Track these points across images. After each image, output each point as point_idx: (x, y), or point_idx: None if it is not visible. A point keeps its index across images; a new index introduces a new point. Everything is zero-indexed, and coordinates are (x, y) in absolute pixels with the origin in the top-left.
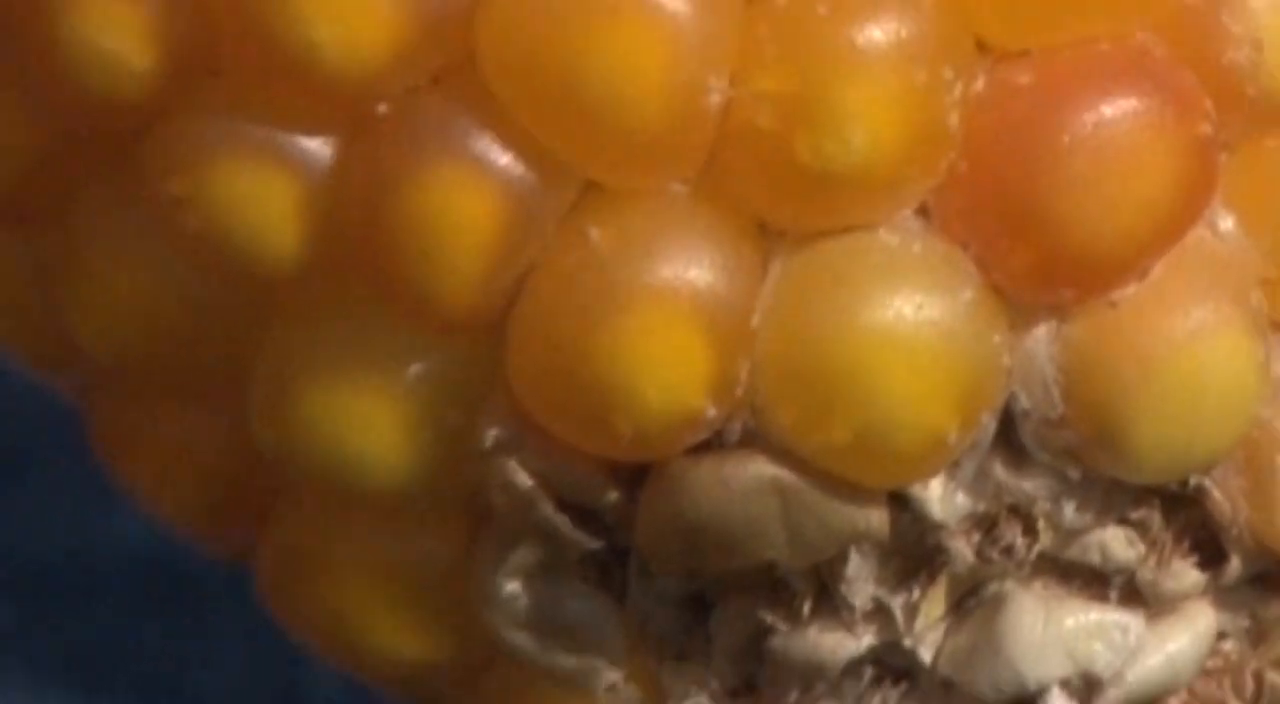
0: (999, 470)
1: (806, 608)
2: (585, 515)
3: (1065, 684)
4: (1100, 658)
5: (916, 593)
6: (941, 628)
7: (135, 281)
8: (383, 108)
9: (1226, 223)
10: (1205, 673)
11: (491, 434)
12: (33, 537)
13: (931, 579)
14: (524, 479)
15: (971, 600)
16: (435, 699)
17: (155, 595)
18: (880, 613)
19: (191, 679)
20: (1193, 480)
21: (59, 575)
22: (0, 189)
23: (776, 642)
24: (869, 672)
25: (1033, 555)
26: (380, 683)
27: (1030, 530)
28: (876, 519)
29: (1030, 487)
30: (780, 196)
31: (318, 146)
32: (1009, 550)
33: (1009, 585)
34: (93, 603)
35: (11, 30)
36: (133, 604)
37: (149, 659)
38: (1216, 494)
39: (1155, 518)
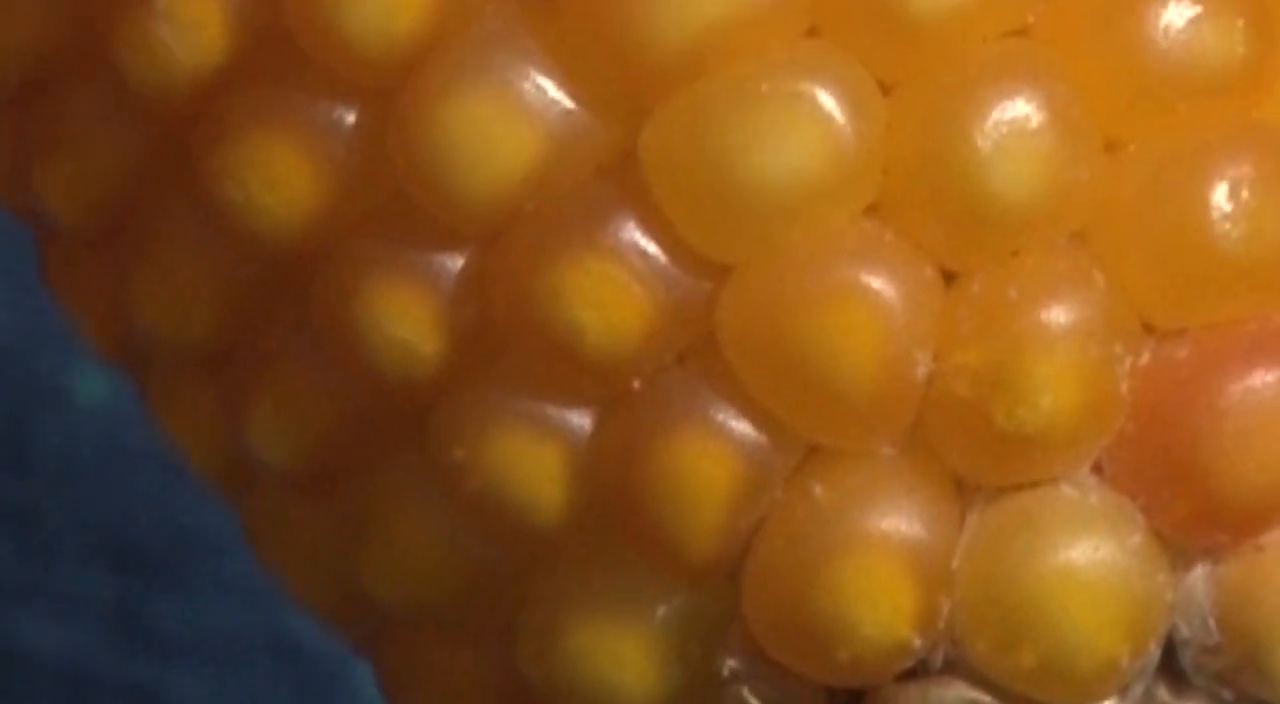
0: (1163, 692)
1: None
2: None
3: None
4: None
5: None
6: None
7: (424, 539)
8: (636, 383)
9: None
10: None
11: (728, 664)
12: None
13: None
14: None
15: None
16: None
17: None
18: None
19: None
20: None
21: None
22: (305, 463)
23: None
24: None
25: None
26: None
27: None
28: None
29: None
30: (977, 455)
31: (579, 417)
32: None
33: None
34: None
35: (318, 320)
36: None
37: None
38: None
39: None
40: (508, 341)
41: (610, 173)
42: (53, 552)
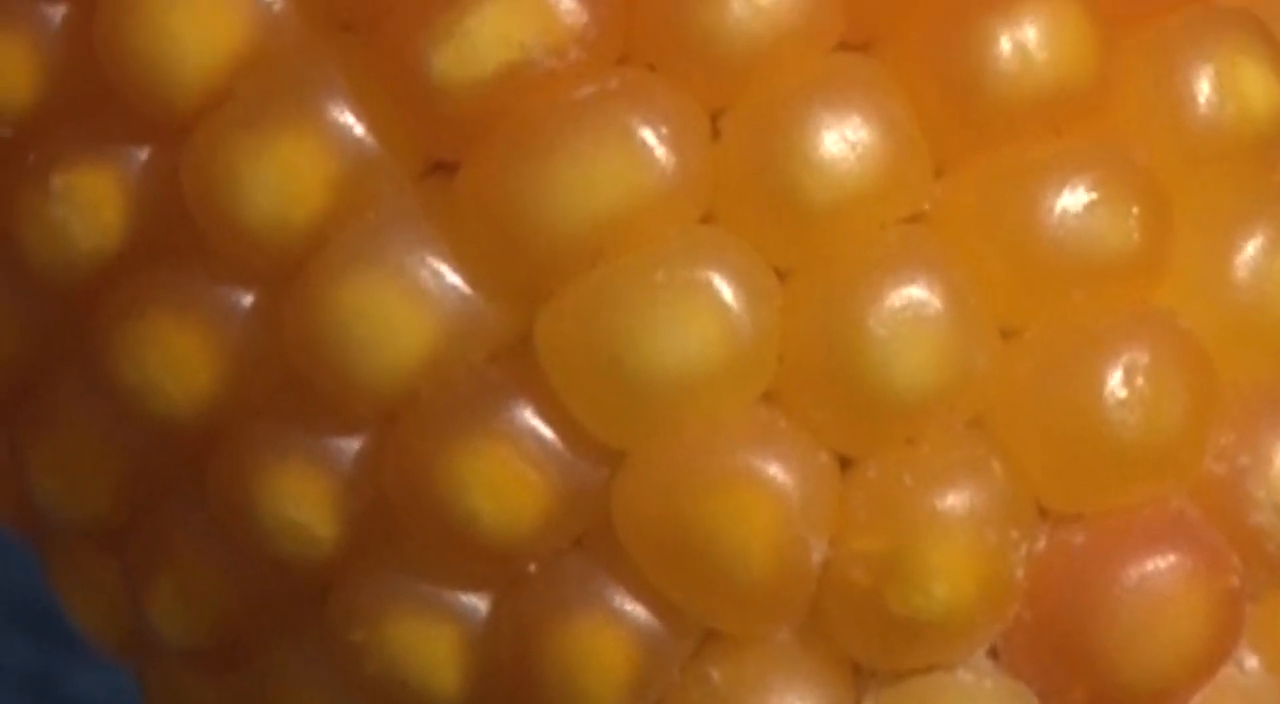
0: None
1: None
2: None
3: None
4: None
5: None
6: None
7: None
8: (532, 567)
9: (1251, 661)
10: None
11: None
12: None
13: None
14: None
15: None
16: None
17: None
18: None
19: None
20: None
21: None
22: (205, 641)
23: None
24: None
25: None
26: None
27: None
28: None
29: None
30: (872, 641)
31: (476, 601)
32: None
33: None
34: None
35: (215, 501)
36: None
37: None
38: None
39: None
40: (404, 525)
41: (506, 358)
42: None
